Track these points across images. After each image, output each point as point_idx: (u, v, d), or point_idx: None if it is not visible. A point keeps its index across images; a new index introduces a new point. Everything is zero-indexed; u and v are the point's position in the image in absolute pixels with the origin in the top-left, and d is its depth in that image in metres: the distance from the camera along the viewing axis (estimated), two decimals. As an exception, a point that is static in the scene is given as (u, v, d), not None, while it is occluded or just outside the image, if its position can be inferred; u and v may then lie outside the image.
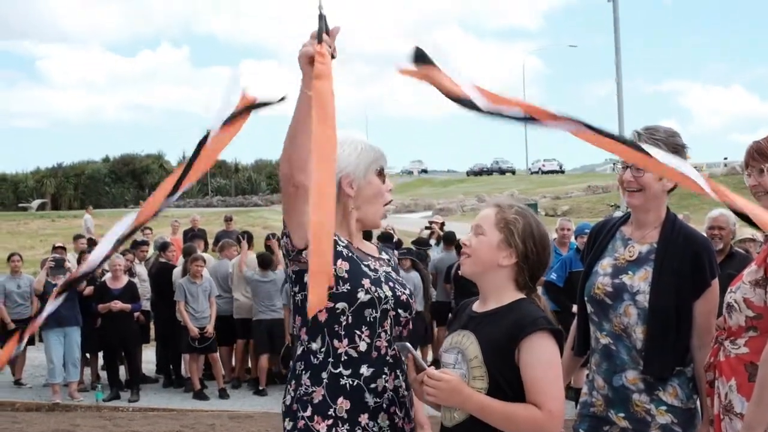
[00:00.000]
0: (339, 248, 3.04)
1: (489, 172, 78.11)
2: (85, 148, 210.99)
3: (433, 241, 15.77)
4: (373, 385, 3.00)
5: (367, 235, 12.82)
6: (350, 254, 3.08)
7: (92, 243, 15.62)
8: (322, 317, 3.01)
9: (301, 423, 3.00)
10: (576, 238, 10.26)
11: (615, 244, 3.55)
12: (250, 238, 12.41)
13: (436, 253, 13.94)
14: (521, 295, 2.75)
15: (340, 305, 2.99)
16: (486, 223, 2.81)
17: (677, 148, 3.42)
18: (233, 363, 11.93)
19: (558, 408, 2.60)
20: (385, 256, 3.30)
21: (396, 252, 12.58)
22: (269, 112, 2.81)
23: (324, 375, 3.01)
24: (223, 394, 11.00)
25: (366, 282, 3.02)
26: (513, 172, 75.49)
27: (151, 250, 14.07)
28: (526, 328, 2.62)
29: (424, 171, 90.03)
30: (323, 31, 2.69)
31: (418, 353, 2.90)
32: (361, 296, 3.00)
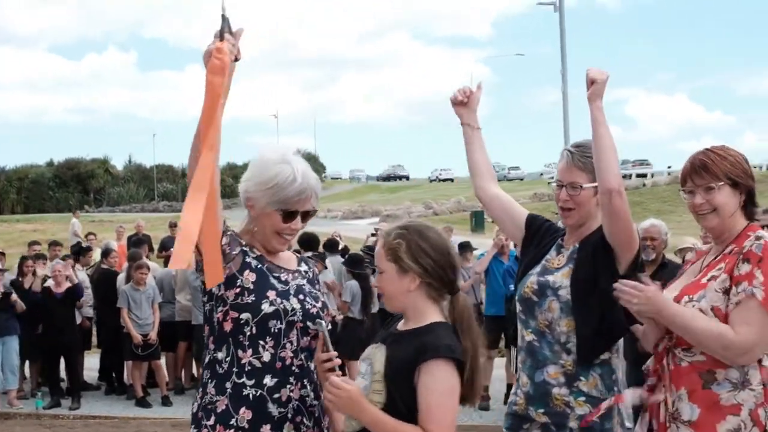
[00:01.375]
0: (248, 259, 3.10)
1: (395, 178, 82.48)
2: (28, 150, 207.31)
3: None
4: (276, 395, 3.03)
5: (315, 242, 12.82)
6: (259, 266, 3.11)
7: (81, 247, 15.43)
8: (227, 327, 3.04)
9: (204, 431, 3.04)
10: (515, 246, 10.29)
11: (551, 250, 3.63)
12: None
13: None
14: (439, 318, 2.78)
15: (244, 316, 3.02)
16: (379, 260, 2.89)
17: None
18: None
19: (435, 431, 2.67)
20: (303, 267, 3.31)
21: (335, 259, 12.53)
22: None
23: (228, 385, 3.04)
24: (165, 402, 10.88)
25: (271, 294, 3.06)
26: (451, 180, 75.95)
27: (96, 256, 13.88)
28: (427, 353, 2.67)
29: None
30: (225, 31, 2.79)
31: (328, 336, 2.99)
32: (265, 308, 3.03)
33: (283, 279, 3.15)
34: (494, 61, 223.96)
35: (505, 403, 5.60)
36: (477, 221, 36.52)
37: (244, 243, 3.14)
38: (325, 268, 11.61)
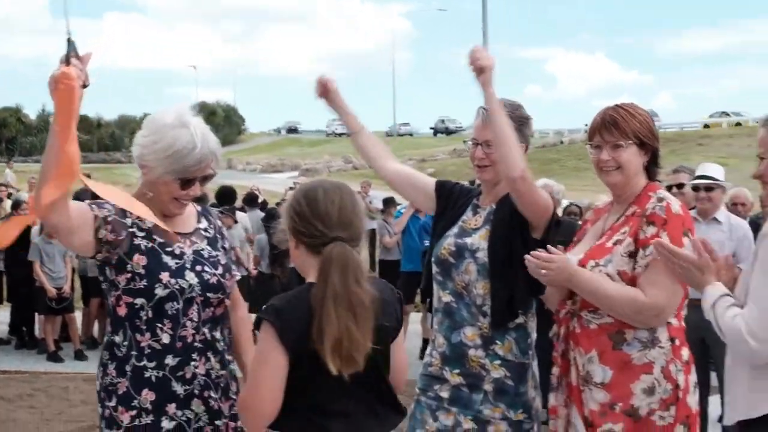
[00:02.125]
0: (137, 241, 2.96)
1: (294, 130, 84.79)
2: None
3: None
4: (180, 374, 2.97)
5: (232, 195, 12.69)
6: (149, 245, 2.98)
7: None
8: (122, 312, 2.96)
9: (107, 412, 3.00)
10: None
11: (467, 211, 3.63)
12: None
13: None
14: (312, 279, 2.60)
15: (139, 301, 2.94)
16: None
17: (522, 121, 3.52)
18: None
19: (246, 400, 2.59)
20: (202, 224, 3.19)
21: (246, 214, 12.43)
22: (137, 65, 2.71)
23: (128, 368, 2.98)
24: (79, 356, 10.69)
25: (165, 276, 2.95)
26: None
27: (7, 208, 13.50)
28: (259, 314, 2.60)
29: (294, 131, 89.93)
30: (71, 55, 2.66)
31: None
32: (159, 291, 2.94)
33: (177, 252, 3.02)
34: (416, 15, 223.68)
35: (421, 358, 5.64)
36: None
37: (129, 223, 3.00)
38: (235, 222, 11.54)
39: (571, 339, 3.25)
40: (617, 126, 3.25)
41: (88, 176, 2.94)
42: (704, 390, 6.17)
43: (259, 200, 14.33)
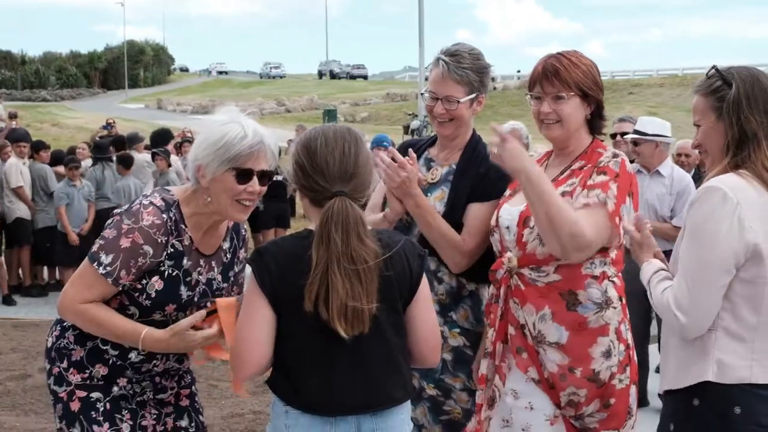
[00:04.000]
0: (162, 268, 2.87)
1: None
2: None
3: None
4: (137, 366, 3.00)
5: (167, 136, 12.55)
6: (173, 273, 2.90)
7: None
8: (113, 305, 2.90)
9: (56, 370, 3.00)
10: (373, 150, 10.33)
11: (419, 164, 3.48)
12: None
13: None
14: (312, 227, 2.55)
15: (133, 309, 2.90)
16: None
17: (483, 70, 3.40)
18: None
19: (232, 349, 2.59)
20: (226, 245, 3.11)
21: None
22: (59, 5, 2.59)
23: (89, 343, 2.97)
24: (7, 301, 10.51)
25: (170, 308, 2.92)
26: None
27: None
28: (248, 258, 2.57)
29: (224, 72, 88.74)
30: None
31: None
32: (156, 317, 2.92)
33: (194, 281, 2.96)
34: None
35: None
36: (330, 119, 36.36)
37: (164, 256, 2.88)
38: (170, 166, 11.41)
39: (516, 297, 3.13)
40: (558, 76, 3.09)
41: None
42: (645, 340, 6.26)
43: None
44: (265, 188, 2.93)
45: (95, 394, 2.96)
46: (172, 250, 2.88)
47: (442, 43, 3.45)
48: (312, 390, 2.48)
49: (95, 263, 2.80)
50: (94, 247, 2.86)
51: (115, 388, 2.99)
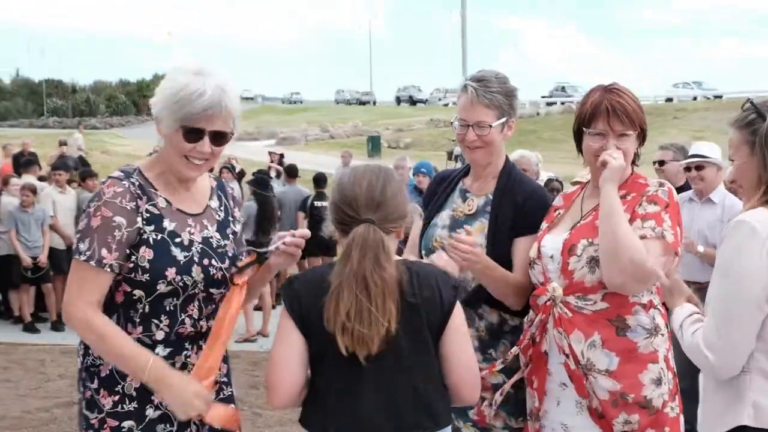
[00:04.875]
0: (145, 236, 2.75)
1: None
2: None
3: (273, 174, 15.77)
4: (170, 362, 2.80)
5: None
6: (158, 237, 2.77)
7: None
8: (119, 298, 2.78)
9: (88, 394, 2.84)
10: (414, 176, 10.36)
11: (454, 196, 3.50)
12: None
13: (277, 187, 13.72)
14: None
15: (137, 292, 2.77)
16: None
17: (511, 93, 3.38)
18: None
19: (266, 378, 2.69)
20: (214, 203, 3.00)
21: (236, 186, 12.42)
22: (109, 36, 2.61)
23: None
24: (56, 327, 10.63)
25: (170, 272, 2.76)
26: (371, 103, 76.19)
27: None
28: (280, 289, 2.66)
29: (299, 102, 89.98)
30: None
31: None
32: (161, 288, 2.77)
33: (186, 243, 2.82)
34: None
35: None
36: (374, 145, 36.52)
37: (140, 220, 2.75)
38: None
39: (562, 326, 3.07)
40: (627, 114, 3.08)
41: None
42: (697, 372, 6.08)
43: (237, 169, 14.26)
44: (220, 149, 2.84)
45: (127, 423, 2.78)
46: (148, 215, 2.77)
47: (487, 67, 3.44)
48: (340, 418, 2.54)
49: (77, 255, 2.72)
50: (74, 243, 2.80)
51: (150, 410, 2.80)
